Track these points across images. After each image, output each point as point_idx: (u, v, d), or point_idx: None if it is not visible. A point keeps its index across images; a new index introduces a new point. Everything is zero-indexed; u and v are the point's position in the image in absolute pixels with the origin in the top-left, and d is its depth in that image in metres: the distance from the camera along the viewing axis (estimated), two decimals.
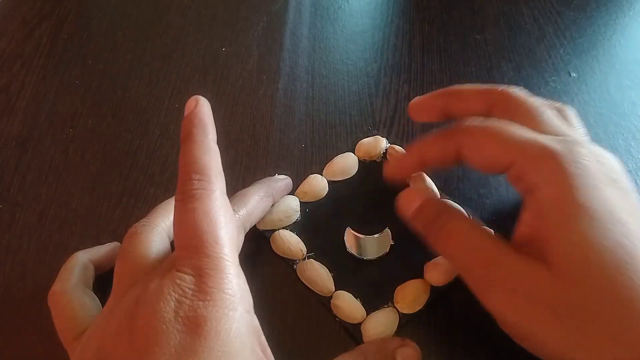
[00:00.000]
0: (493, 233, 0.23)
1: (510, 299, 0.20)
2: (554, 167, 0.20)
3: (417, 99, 0.28)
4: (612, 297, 0.18)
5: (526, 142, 0.21)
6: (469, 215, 0.26)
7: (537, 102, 0.24)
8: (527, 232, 0.21)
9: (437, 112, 0.27)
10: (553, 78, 0.37)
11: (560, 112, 0.25)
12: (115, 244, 0.27)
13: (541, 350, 0.20)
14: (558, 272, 0.19)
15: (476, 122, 0.24)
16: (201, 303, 0.19)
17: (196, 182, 0.21)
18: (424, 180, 0.28)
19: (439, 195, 0.29)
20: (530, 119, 0.23)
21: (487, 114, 0.25)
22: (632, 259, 0.18)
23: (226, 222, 0.21)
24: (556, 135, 0.22)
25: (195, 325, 0.18)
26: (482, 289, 0.21)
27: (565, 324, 0.19)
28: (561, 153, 0.21)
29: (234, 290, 0.19)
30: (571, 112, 0.25)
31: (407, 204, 0.25)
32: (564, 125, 0.24)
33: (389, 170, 0.28)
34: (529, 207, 0.21)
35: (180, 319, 0.18)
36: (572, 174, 0.20)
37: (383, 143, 0.32)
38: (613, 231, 0.19)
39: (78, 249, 0.26)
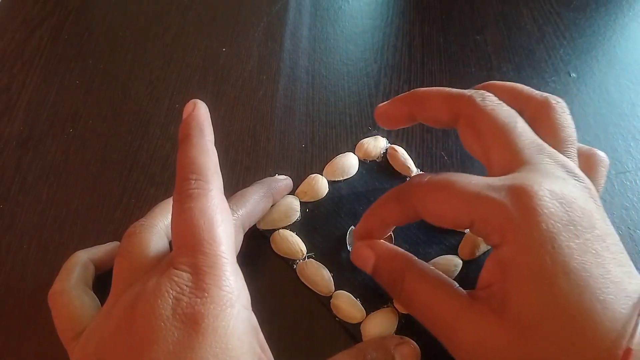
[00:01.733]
0: (453, 283, 0.22)
1: (473, 355, 0.20)
2: (509, 227, 0.20)
3: (381, 106, 0.27)
4: (565, 356, 0.18)
5: (482, 199, 0.20)
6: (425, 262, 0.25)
7: (503, 117, 0.23)
8: (490, 280, 0.21)
9: (402, 119, 0.26)
10: (553, 78, 0.37)
11: (538, 114, 0.24)
12: (115, 243, 0.27)
13: None
14: (514, 332, 0.19)
15: (429, 179, 0.22)
16: (199, 300, 0.19)
17: (193, 182, 0.21)
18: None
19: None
20: (497, 138, 0.22)
21: (452, 124, 0.25)
22: (583, 316, 0.18)
23: (223, 221, 0.21)
24: (525, 160, 0.21)
25: (193, 322, 0.18)
26: (449, 345, 0.21)
27: None
28: (515, 210, 0.19)
29: (231, 287, 0.19)
30: (553, 112, 0.24)
31: (362, 261, 0.25)
32: (534, 144, 0.22)
33: (356, 253, 0.25)
34: (492, 258, 0.21)
35: (178, 316, 0.18)
36: (527, 233, 0.19)
37: (383, 143, 0.32)
38: (567, 290, 0.18)
39: (78, 249, 0.26)
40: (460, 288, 0.22)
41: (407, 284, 0.23)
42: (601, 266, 0.19)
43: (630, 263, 0.20)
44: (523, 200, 0.20)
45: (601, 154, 0.25)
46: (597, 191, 0.23)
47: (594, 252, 0.19)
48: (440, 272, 0.23)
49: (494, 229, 0.20)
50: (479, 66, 0.38)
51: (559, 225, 0.19)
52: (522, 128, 0.23)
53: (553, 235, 0.19)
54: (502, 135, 0.22)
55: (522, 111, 0.24)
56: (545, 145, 0.22)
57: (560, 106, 0.24)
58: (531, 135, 0.23)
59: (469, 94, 0.24)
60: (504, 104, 0.23)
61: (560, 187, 0.20)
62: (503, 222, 0.20)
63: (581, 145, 0.25)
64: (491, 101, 0.23)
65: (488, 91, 0.24)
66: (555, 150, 0.22)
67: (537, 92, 0.25)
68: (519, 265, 0.19)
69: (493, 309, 0.20)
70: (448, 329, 0.21)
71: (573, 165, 0.22)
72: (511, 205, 0.20)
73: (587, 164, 0.25)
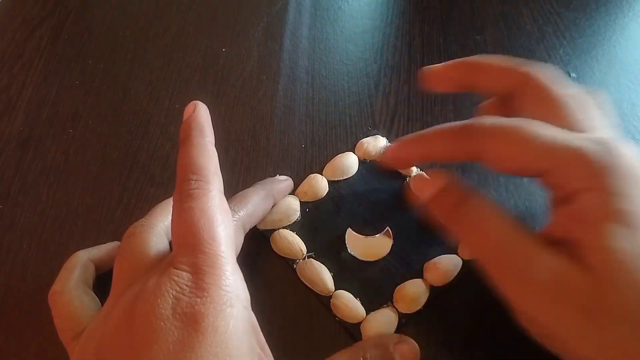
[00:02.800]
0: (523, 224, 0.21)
1: (543, 298, 0.19)
2: (592, 173, 0.19)
3: (433, 67, 0.25)
4: None
5: (559, 147, 0.20)
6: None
7: (562, 91, 0.22)
8: (559, 233, 0.20)
9: (454, 83, 0.25)
10: None
11: (587, 100, 0.23)
12: (115, 243, 0.27)
13: (565, 351, 0.20)
14: (595, 276, 0.18)
15: (497, 122, 0.21)
16: (199, 299, 0.19)
17: (193, 182, 0.21)
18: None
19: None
20: (555, 111, 0.22)
21: (508, 95, 0.24)
22: None
23: (223, 220, 0.21)
24: (585, 131, 0.21)
25: (192, 322, 0.18)
26: (512, 285, 0.20)
27: (599, 326, 0.18)
28: (599, 157, 0.19)
29: (231, 286, 0.19)
30: (601, 100, 0.23)
31: (423, 188, 0.23)
32: (595, 119, 0.22)
33: (389, 155, 0.25)
34: (564, 211, 0.20)
35: (177, 316, 0.18)
36: (611, 180, 0.19)
37: (383, 142, 0.32)
38: None
39: (78, 249, 0.26)
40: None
41: (474, 211, 0.21)
42: None
43: None
44: (607, 149, 0.19)
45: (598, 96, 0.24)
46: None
47: None
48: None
49: (576, 177, 0.19)
50: None
51: None
52: (579, 102, 0.22)
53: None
54: (564, 107, 0.22)
55: (514, 88, 0.24)
56: None
57: (539, 76, 0.23)
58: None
59: (525, 68, 0.23)
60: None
61: None
62: (588, 169, 0.19)
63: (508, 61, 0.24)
64: (549, 75, 0.23)
65: (475, 71, 0.24)
66: None
67: (519, 65, 0.24)
68: (606, 212, 0.19)
69: (572, 254, 0.19)
70: (517, 266, 0.20)
71: None
72: (598, 152, 0.19)
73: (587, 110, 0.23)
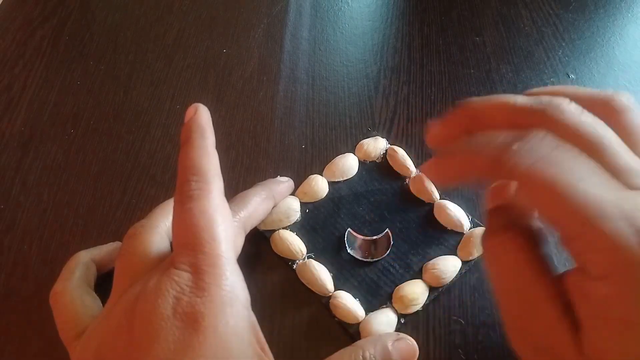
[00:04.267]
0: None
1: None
2: (617, 269, 0.16)
3: (433, 128, 0.22)
4: None
5: (590, 222, 0.16)
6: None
7: (591, 129, 0.18)
8: (569, 294, 0.17)
9: (458, 137, 0.21)
10: (552, 80, 0.37)
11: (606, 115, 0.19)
12: (116, 243, 0.28)
13: None
14: None
15: (534, 163, 0.17)
16: (199, 299, 0.19)
17: (194, 183, 0.21)
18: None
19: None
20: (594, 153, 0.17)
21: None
22: None
23: (223, 221, 0.21)
24: (629, 183, 0.17)
25: (193, 321, 0.18)
26: (512, 332, 0.19)
27: None
28: (631, 254, 0.15)
29: (231, 286, 0.20)
30: (625, 112, 0.19)
31: (496, 196, 0.21)
32: (634, 160, 0.18)
33: (427, 173, 0.21)
34: (578, 280, 0.17)
35: (178, 315, 0.18)
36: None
37: (383, 144, 0.33)
38: None
39: (79, 249, 0.26)
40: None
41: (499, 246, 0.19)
42: None
43: None
44: None
45: (620, 99, 0.19)
46: None
47: None
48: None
49: (597, 262, 0.16)
50: (478, 67, 0.38)
51: None
52: (617, 142, 0.18)
53: None
54: (597, 152, 0.17)
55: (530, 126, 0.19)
56: None
57: (559, 110, 0.19)
58: (627, 150, 0.18)
59: (539, 106, 0.19)
60: (586, 111, 0.19)
61: None
62: (612, 260, 0.16)
63: (585, 89, 0.20)
64: (572, 111, 0.18)
65: (478, 121, 0.20)
66: None
67: (529, 102, 0.20)
68: (614, 312, 0.16)
69: (574, 330, 0.17)
70: (522, 318, 0.18)
71: None
72: (627, 244, 0.15)
73: (611, 115, 0.19)
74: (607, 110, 0.19)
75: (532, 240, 0.19)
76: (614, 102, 0.19)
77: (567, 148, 0.17)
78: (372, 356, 0.22)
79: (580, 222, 0.16)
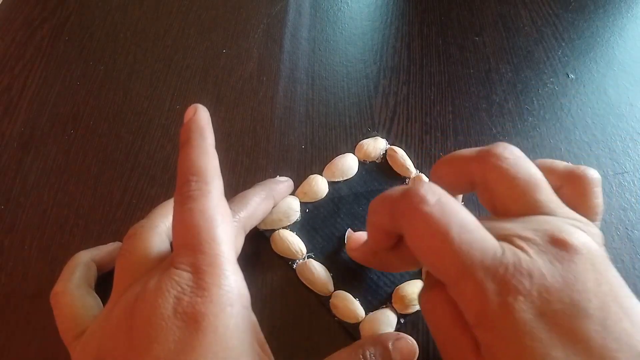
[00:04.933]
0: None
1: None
2: (485, 318, 0.17)
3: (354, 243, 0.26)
4: None
5: (461, 275, 0.17)
6: None
7: (523, 173, 0.19)
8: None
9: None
10: (551, 80, 0.37)
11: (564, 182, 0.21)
12: (117, 243, 0.28)
13: None
14: None
15: (423, 204, 0.18)
16: (199, 299, 0.19)
17: (193, 183, 0.21)
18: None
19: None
20: (515, 197, 0.19)
21: (474, 189, 0.21)
22: None
23: (222, 221, 0.21)
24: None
25: (193, 321, 0.18)
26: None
27: None
28: (490, 303, 0.17)
29: (231, 286, 0.20)
30: (581, 182, 0.21)
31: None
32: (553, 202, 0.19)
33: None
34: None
35: (178, 315, 0.19)
36: (504, 329, 0.16)
37: (383, 144, 0.33)
38: None
39: (80, 249, 0.26)
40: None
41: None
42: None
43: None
44: (503, 287, 0.16)
45: (590, 173, 0.21)
46: (598, 215, 0.21)
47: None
48: None
49: (469, 310, 0.18)
50: (478, 67, 0.38)
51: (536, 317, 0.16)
52: (544, 186, 0.20)
53: (530, 330, 0.16)
54: (520, 194, 0.19)
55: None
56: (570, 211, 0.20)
57: (590, 176, 0.21)
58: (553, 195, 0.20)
59: (480, 153, 0.20)
60: (524, 157, 0.20)
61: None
62: (480, 309, 0.17)
63: (560, 162, 0.22)
64: (508, 156, 0.20)
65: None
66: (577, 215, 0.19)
67: (561, 162, 0.22)
68: (494, 355, 0.17)
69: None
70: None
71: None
72: (491, 293, 0.16)
73: (576, 187, 0.21)
74: (575, 182, 0.21)
75: None
76: (584, 176, 0.21)
77: (450, 200, 0.18)
78: (372, 356, 0.22)
79: (455, 273, 0.17)
